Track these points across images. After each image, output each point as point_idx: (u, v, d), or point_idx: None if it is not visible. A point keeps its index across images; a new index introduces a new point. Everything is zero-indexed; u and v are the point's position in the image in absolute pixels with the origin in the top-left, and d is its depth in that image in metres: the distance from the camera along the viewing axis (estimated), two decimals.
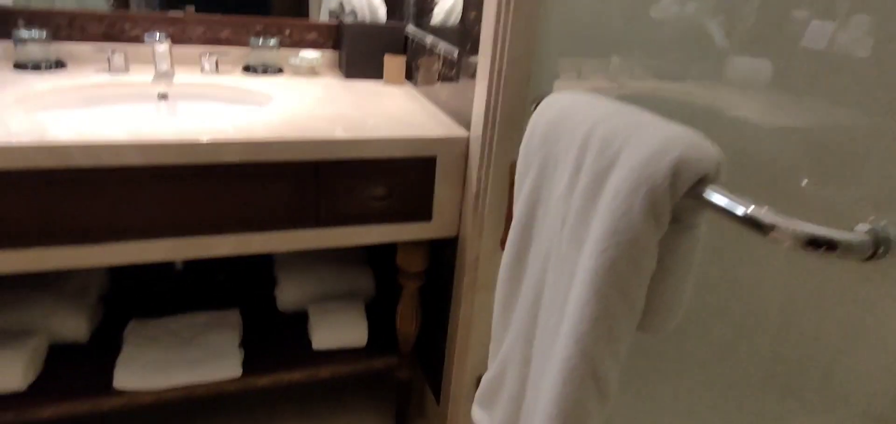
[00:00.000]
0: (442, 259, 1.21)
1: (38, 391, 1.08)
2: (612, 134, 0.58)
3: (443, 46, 1.13)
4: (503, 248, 0.90)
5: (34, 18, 1.19)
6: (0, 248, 0.83)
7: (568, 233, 0.63)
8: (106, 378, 1.11)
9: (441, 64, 1.13)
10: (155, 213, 0.88)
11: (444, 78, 1.13)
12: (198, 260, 1.43)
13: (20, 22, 1.18)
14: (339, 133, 0.93)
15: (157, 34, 1.15)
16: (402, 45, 1.34)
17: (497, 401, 0.81)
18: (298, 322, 1.32)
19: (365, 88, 1.26)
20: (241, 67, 1.34)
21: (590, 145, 0.60)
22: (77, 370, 1.13)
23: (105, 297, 1.30)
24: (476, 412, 0.86)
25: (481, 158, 0.96)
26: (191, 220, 0.91)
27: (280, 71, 1.32)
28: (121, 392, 1.10)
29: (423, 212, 1.05)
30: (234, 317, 1.25)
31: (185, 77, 1.22)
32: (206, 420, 1.35)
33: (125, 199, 0.86)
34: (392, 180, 1.00)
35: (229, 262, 1.50)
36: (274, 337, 1.28)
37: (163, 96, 1.18)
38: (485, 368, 1.22)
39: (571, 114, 0.65)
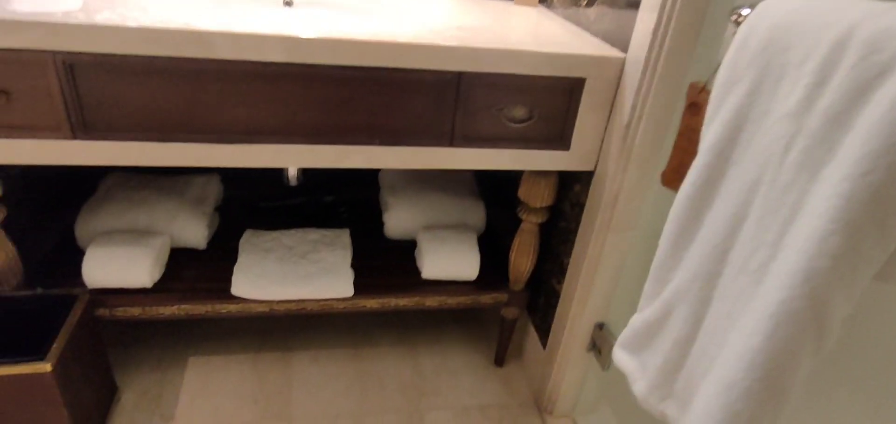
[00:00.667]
0: (566, 194, 1.13)
1: (161, 289, 1.10)
2: (885, 34, 0.46)
3: None
4: (667, 184, 0.81)
5: None
6: (146, 139, 0.81)
7: (797, 157, 0.53)
8: (223, 283, 1.11)
9: None
10: (292, 116, 0.84)
11: (591, 2, 1.02)
12: (308, 178, 1.41)
13: None
14: (484, 44, 0.85)
15: None
16: None
17: (653, 345, 0.73)
18: (406, 248, 1.28)
19: (494, 7, 1.17)
20: None
21: (846, 50, 0.49)
22: (196, 273, 1.14)
23: (220, 207, 1.30)
24: (620, 355, 0.78)
25: (640, 83, 0.85)
26: (326, 126, 0.86)
27: None
28: (237, 299, 1.10)
29: (561, 140, 0.96)
30: (345, 237, 1.22)
31: None
32: (312, 332, 1.36)
33: (264, 98, 0.82)
34: (533, 101, 0.91)
35: (337, 182, 1.47)
36: (381, 261, 1.25)
37: (288, 3, 1.13)
38: (604, 316, 1.14)
39: (810, 15, 0.54)
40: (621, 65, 0.90)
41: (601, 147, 0.98)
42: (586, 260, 1.04)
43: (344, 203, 1.41)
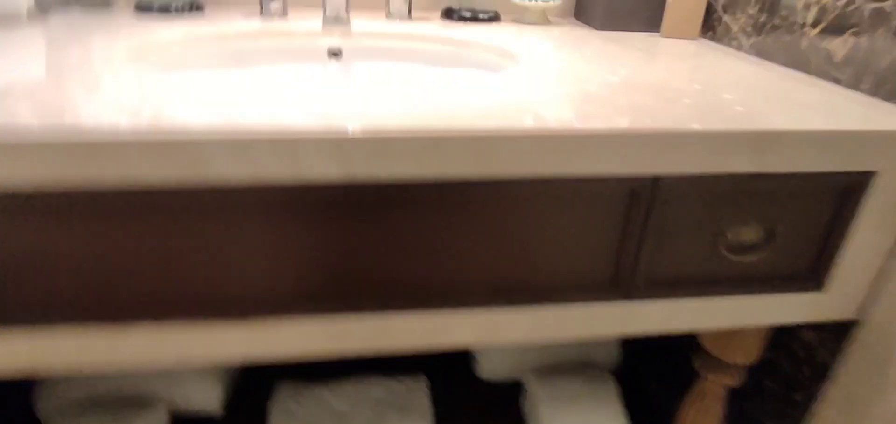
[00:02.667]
0: (786, 339, 0.70)
1: None
2: None
3: None
4: None
5: None
6: (85, 323, 0.45)
7: None
8: None
9: None
10: (340, 268, 0.46)
11: (833, 22, 0.61)
12: None
13: None
14: (692, 120, 0.45)
15: None
16: None
17: None
18: (507, 395, 0.88)
19: (641, 45, 0.77)
20: (439, 11, 0.90)
21: None
22: None
23: None
24: None
25: None
26: (404, 282, 0.48)
27: (495, 17, 0.87)
28: None
29: (812, 275, 0.55)
30: (420, 390, 0.83)
31: (366, 24, 0.80)
32: None
33: (293, 242, 0.44)
34: (776, 215, 0.51)
35: None
36: (475, 418, 0.85)
37: (335, 53, 0.77)
38: None
39: None
40: None
41: (876, 284, 0.55)
42: None
43: None
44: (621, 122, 0.43)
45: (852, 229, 0.52)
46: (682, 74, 0.61)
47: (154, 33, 0.67)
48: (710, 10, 0.81)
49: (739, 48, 0.76)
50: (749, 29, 0.74)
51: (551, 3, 0.85)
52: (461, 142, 0.41)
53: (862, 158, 0.48)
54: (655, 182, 0.46)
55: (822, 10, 0.62)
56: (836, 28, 0.60)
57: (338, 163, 0.41)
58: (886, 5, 0.54)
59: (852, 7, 0.58)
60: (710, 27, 0.81)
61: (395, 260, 0.47)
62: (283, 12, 0.81)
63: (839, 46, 0.60)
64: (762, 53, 0.71)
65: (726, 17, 0.78)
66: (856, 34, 0.58)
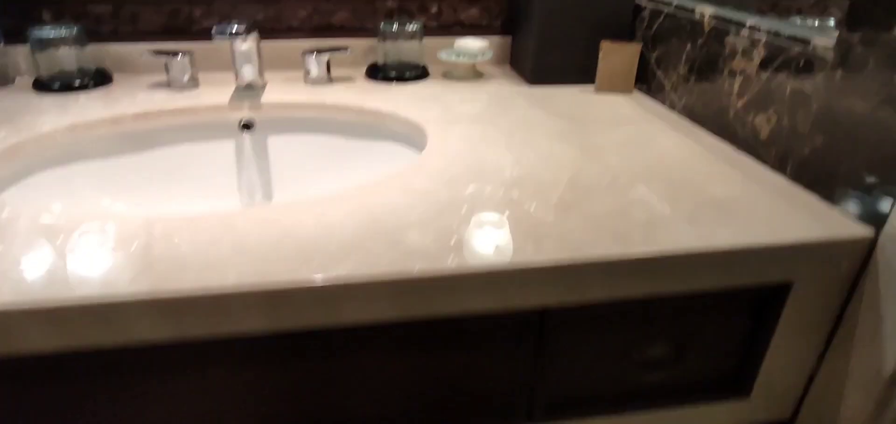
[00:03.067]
0: None
1: None
2: None
3: (766, 25, 0.56)
4: None
5: (64, 10, 0.78)
6: None
7: None
8: None
9: (760, 61, 0.56)
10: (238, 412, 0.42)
11: (756, 96, 0.56)
12: None
13: (44, 15, 0.77)
14: (609, 246, 0.41)
15: (235, 25, 0.69)
16: (629, 25, 0.78)
17: None
18: None
19: (568, 107, 0.72)
20: (363, 69, 0.85)
21: None
22: None
23: None
24: None
25: None
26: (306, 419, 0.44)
27: (423, 73, 0.82)
28: None
29: (734, 382, 0.51)
30: None
31: (280, 90, 0.75)
32: None
33: (188, 397, 0.40)
34: (685, 330, 0.46)
35: None
36: None
37: (247, 126, 0.72)
38: None
39: None
40: (869, 248, 0.44)
41: (810, 386, 0.51)
42: None
43: None
44: (501, 256, 0.39)
45: (776, 336, 0.48)
46: (596, 159, 0.56)
47: (37, 122, 0.62)
48: (645, 62, 0.76)
49: (672, 107, 0.71)
50: (680, 89, 0.69)
51: (480, 58, 0.80)
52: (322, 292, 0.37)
53: (773, 272, 0.44)
54: (543, 314, 0.42)
55: (746, 82, 0.58)
56: (760, 104, 0.56)
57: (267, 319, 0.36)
58: (805, 86, 0.50)
59: (774, 82, 0.54)
60: (646, 80, 0.77)
61: (294, 400, 0.42)
62: (190, 79, 0.76)
63: (764, 124, 0.56)
64: (694, 116, 0.67)
65: (659, 73, 0.73)
66: (778, 113, 0.54)
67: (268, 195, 0.75)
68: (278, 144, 0.74)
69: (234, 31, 0.69)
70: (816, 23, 0.53)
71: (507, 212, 0.45)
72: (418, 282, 0.37)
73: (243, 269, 0.36)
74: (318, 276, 0.36)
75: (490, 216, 0.44)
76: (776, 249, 0.42)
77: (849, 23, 0.46)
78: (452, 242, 0.40)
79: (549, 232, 0.42)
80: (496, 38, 0.88)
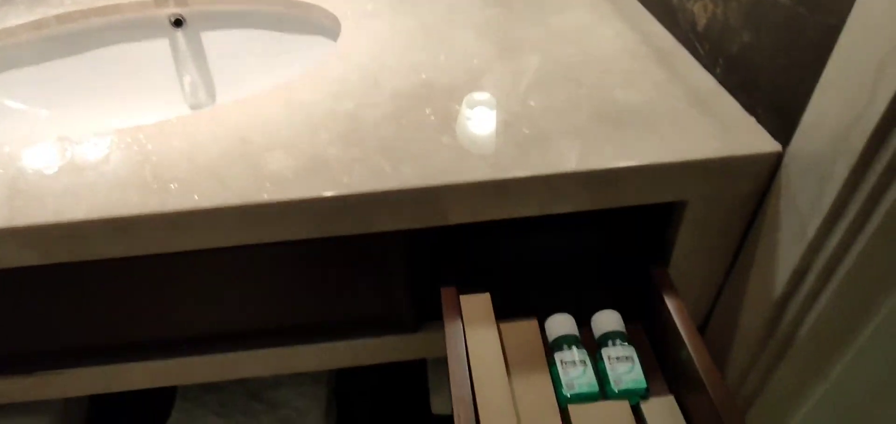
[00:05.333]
0: None
1: None
2: None
3: None
4: None
5: None
6: None
7: None
8: None
9: None
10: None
11: None
12: None
13: None
14: (484, 170, 0.39)
15: None
16: None
17: None
18: None
19: None
20: None
21: None
22: None
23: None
24: None
25: (837, 209, 0.36)
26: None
27: None
28: None
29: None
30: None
31: None
32: None
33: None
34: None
35: None
36: None
37: (177, 22, 0.70)
38: None
39: None
40: (774, 165, 0.40)
41: (718, 300, 0.50)
42: None
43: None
44: (357, 183, 0.38)
45: (676, 249, 0.45)
46: (510, 58, 0.52)
47: None
48: None
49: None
50: None
51: None
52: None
53: (663, 191, 0.41)
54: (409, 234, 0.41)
55: None
56: None
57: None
58: None
59: None
60: None
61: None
62: None
63: (701, 12, 0.49)
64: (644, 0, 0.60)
65: None
66: (714, 2, 0.47)
67: (211, 94, 0.74)
68: (213, 40, 0.71)
69: None
70: None
71: (360, 136, 0.43)
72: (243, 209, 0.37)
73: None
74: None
75: (367, 134, 0.42)
76: (657, 168, 0.39)
77: None
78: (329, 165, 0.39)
79: (411, 158, 0.40)
80: None
